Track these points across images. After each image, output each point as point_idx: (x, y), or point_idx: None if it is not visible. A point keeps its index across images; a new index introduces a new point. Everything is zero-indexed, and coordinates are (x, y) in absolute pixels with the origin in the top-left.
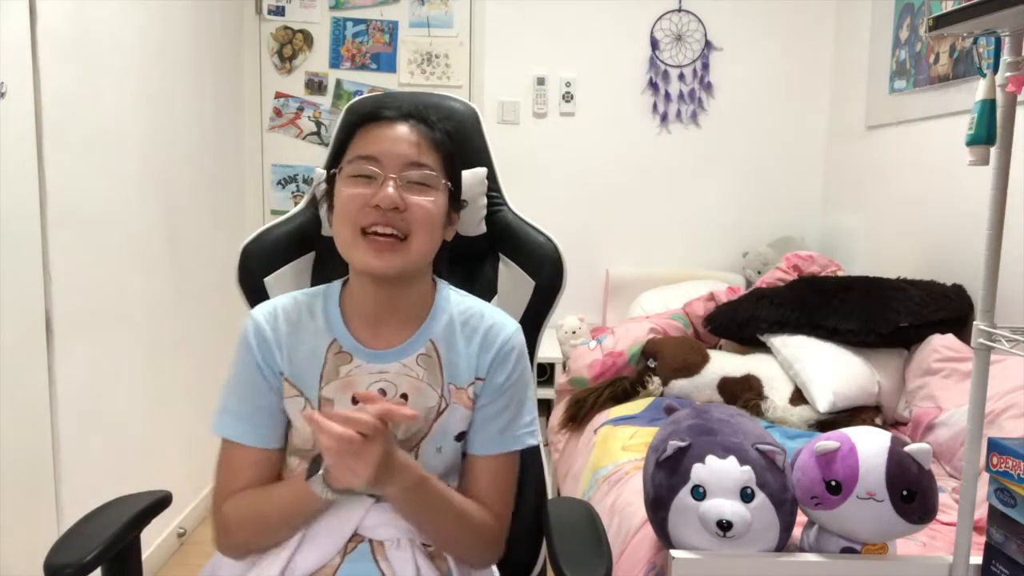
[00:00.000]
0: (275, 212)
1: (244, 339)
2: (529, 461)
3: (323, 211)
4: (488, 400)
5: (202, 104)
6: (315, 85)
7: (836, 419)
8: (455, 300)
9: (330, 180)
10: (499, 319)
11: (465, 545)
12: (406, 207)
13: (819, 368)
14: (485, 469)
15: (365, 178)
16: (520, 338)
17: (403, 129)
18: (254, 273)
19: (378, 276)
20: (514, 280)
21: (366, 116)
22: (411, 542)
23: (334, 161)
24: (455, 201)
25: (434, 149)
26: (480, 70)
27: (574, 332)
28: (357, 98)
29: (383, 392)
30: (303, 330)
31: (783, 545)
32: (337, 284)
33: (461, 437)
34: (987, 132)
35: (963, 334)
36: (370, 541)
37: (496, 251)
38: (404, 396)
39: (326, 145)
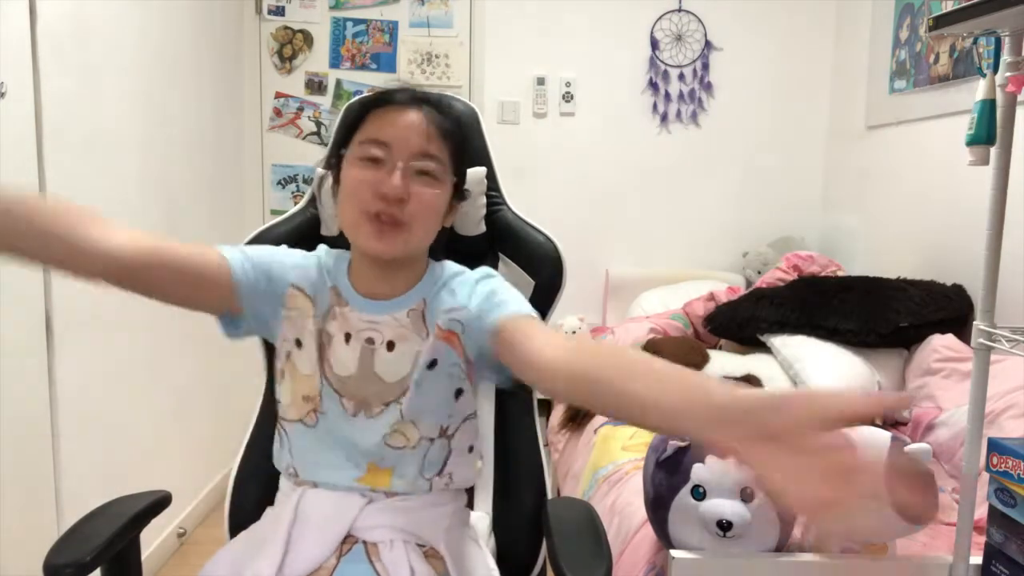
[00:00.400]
0: (275, 212)
1: (305, 254)
2: (529, 461)
3: (325, 208)
4: (482, 303)
5: (202, 104)
6: (315, 85)
7: None
8: (451, 267)
9: (338, 158)
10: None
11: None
12: (410, 198)
13: (819, 368)
14: (524, 327)
15: (374, 160)
16: (499, 276)
17: (415, 116)
18: None
19: (379, 258)
20: (514, 280)
21: (378, 99)
22: (405, 543)
23: (342, 142)
24: (459, 192)
25: (444, 139)
26: (480, 70)
27: (574, 332)
28: (356, 97)
29: (371, 340)
30: (319, 277)
31: (783, 545)
32: (347, 252)
33: (433, 365)
34: (987, 132)
35: (963, 334)
36: (364, 542)
37: (496, 251)
38: (391, 343)
39: (326, 145)
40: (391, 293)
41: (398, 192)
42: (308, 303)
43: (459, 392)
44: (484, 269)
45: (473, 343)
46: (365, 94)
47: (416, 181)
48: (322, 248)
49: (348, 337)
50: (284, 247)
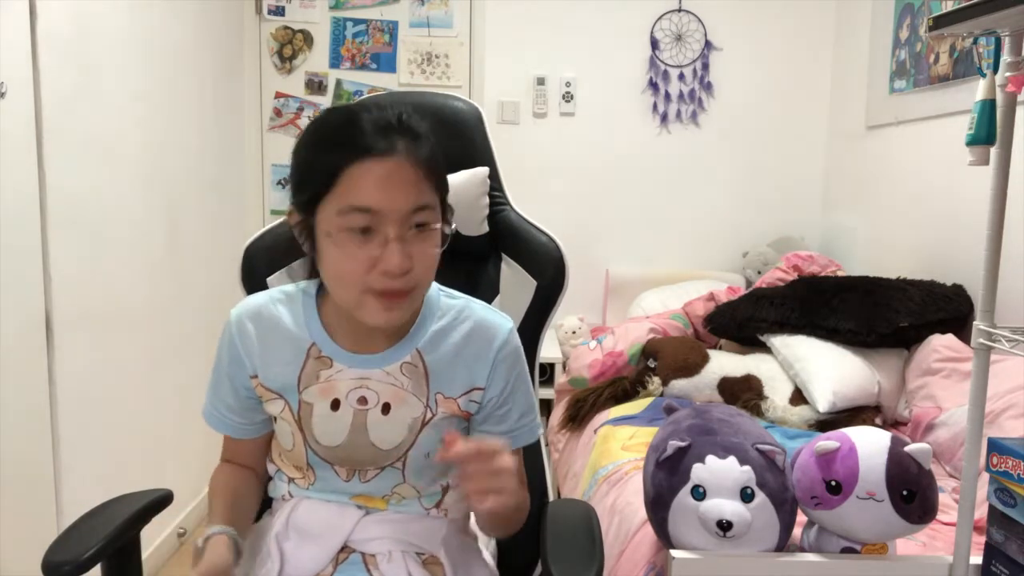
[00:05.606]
0: (275, 212)
1: (221, 341)
2: (530, 463)
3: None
4: (494, 407)
5: (202, 104)
6: (315, 85)
7: (836, 419)
8: (445, 304)
9: (304, 214)
10: (491, 320)
11: (518, 526)
12: (412, 265)
13: (819, 368)
14: None
15: (362, 231)
16: (515, 338)
17: (399, 164)
18: (257, 272)
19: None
20: (516, 280)
21: (353, 150)
22: (404, 553)
23: (312, 197)
24: (446, 214)
25: (430, 174)
26: (480, 70)
27: (574, 332)
28: (313, 130)
29: (363, 400)
30: (281, 332)
31: (783, 545)
32: (313, 286)
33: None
34: (987, 132)
35: (963, 334)
36: (362, 553)
37: (499, 251)
38: (387, 405)
39: None
40: (380, 345)
41: (402, 267)
42: (270, 392)
43: None
44: (502, 327)
45: (481, 415)
46: (366, 93)
47: (414, 240)
48: (281, 294)
49: (336, 404)
50: (226, 344)
